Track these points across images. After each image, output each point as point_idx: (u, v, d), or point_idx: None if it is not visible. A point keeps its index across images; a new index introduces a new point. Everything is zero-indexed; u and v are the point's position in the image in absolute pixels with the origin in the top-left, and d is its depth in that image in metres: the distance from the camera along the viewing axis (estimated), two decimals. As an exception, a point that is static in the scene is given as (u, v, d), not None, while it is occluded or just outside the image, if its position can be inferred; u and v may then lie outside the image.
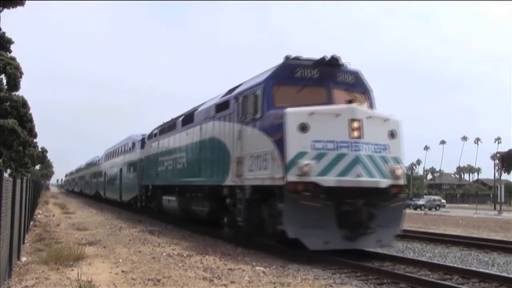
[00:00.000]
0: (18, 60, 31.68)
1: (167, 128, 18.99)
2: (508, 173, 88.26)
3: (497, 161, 78.60)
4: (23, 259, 9.52)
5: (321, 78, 10.54)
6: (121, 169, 28.90)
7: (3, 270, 6.80)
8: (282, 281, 7.75)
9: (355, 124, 9.42)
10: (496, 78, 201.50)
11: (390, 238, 10.10)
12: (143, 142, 23.71)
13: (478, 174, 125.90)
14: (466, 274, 8.37)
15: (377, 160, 9.70)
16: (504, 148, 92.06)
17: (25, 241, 12.32)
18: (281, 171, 9.42)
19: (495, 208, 52.41)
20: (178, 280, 7.67)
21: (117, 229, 16.34)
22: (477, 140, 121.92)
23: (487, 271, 8.93)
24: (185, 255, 10.35)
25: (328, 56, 10.66)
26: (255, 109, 10.74)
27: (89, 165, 48.85)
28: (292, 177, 9.23)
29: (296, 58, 10.86)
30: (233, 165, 11.46)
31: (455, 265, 9.46)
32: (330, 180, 9.24)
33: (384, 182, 9.68)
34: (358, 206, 9.27)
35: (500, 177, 76.03)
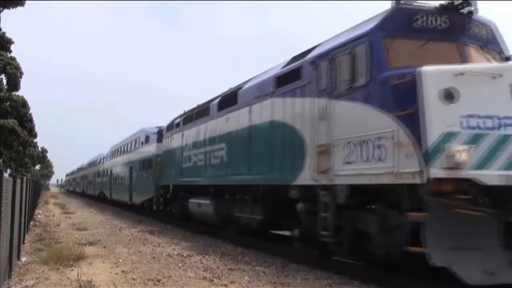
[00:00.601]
0: (17, 60, 31.77)
1: (196, 115, 15.27)
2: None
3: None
4: (23, 259, 9.53)
5: (450, 29, 7.59)
6: (131, 167, 25.49)
7: (3, 270, 6.81)
8: (282, 281, 7.76)
9: None
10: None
11: None
12: (160, 134, 20.20)
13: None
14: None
15: None
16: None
17: (25, 241, 12.33)
18: (416, 162, 6.38)
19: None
20: (178, 280, 7.68)
21: (117, 229, 16.34)
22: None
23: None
24: (185, 255, 10.35)
25: None
26: (353, 74, 7.66)
27: (92, 163, 46.18)
28: (437, 171, 6.21)
29: (410, 3, 7.78)
30: (310, 156, 8.48)
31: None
32: (493, 175, 6.26)
33: None
34: None
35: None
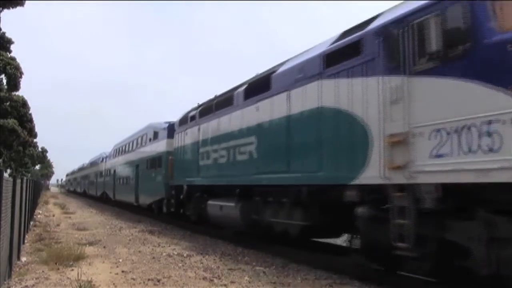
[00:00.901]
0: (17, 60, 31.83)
1: (215, 105, 13.47)
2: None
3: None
4: (23, 259, 9.53)
5: None
6: (137, 166, 23.81)
7: (3, 270, 6.81)
8: (282, 281, 7.76)
9: None
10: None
11: None
12: (170, 130, 18.69)
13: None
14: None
15: None
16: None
17: (25, 241, 12.33)
18: None
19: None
20: (178, 280, 7.68)
21: (117, 229, 16.35)
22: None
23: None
24: (185, 255, 10.36)
25: None
26: (444, 42, 6.05)
27: (94, 163, 44.40)
28: None
29: None
30: (378, 149, 6.90)
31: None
32: None
33: None
34: None
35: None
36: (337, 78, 7.96)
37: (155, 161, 20.53)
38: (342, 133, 7.73)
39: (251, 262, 9.61)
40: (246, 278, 7.94)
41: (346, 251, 8.65)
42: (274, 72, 10.43)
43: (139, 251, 10.80)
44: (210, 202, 13.01)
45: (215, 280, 7.70)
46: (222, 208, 12.14)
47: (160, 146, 20.01)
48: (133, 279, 7.68)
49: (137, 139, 24.92)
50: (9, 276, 7.49)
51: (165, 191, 18.17)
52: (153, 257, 9.93)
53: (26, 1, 28.91)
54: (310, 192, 8.79)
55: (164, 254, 10.45)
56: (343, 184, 7.63)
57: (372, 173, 6.99)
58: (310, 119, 8.62)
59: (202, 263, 9.42)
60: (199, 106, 15.38)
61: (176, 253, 10.65)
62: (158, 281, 7.56)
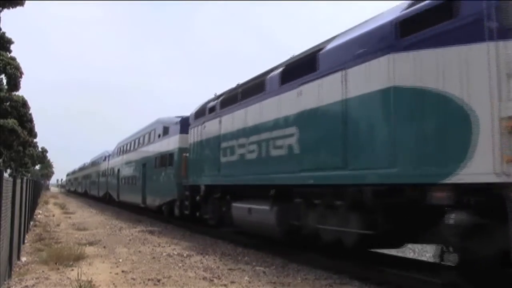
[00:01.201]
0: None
1: (241, 93, 11.75)
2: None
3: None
4: (23, 259, 9.54)
5: None
6: (144, 164, 22.19)
7: (3, 270, 6.81)
8: (282, 281, 7.76)
9: None
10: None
11: None
12: (184, 124, 16.93)
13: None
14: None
15: None
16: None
17: (25, 241, 12.34)
18: None
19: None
20: (178, 280, 7.68)
21: (117, 229, 16.35)
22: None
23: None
24: (185, 255, 10.36)
25: None
26: None
27: (96, 162, 41.78)
28: None
29: None
30: (489, 137, 5.29)
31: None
32: None
33: None
34: None
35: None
36: (419, 50, 6.32)
37: (165, 159, 18.82)
38: (428, 118, 6.08)
39: (251, 262, 9.61)
40: (246, 278, 7.94)
41: (345, 252, 8.58)
42: (321, 49, 8.70)
43: (139, 251, 10.81)
44: (235, 204, 11.42)
45: (215, 280, 7.71)
46: (251, 211, 10.51)
47: (171, 143, 18.32)
48: (133, 279, 7.68)
49: (144, 136, 23.34)
50: (9, 276, 7.50)
51: (177, 191, 16.50)
52: (153, 257, 9.93)
53: (26, 1, 28.95)
54: (375, 193, 7.16)
55: (164, 254, 10.46)
56: (428, 184, 6.07)
57: (480, 168, 5.38)
58: (377, 103, 6.94)
59: (202, 263, 9.43)
60: (219, 96, 13.65)
61: (176, 253, 10.66)
62: (158, 281, 7.56)
